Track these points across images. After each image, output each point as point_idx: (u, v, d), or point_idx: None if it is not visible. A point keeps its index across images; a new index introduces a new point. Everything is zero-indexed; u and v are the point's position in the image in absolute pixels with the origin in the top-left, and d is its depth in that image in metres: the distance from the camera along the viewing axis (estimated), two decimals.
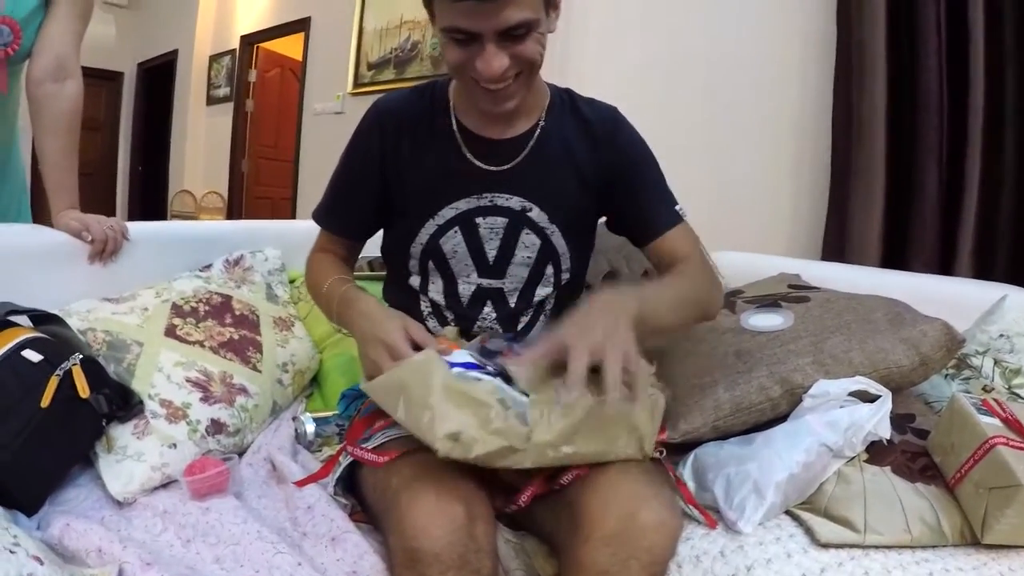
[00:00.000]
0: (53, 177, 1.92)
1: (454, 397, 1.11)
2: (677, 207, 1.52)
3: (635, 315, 1.16)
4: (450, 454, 1.07)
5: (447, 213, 1.48)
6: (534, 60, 1.30)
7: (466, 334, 1.54)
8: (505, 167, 1.48)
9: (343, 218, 1.59)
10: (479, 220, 1.49)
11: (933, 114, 2.32)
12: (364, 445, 1.31)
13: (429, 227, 1.49)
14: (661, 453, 1.32)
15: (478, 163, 1.47)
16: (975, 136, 2.23)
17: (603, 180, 1.51)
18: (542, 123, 1.49)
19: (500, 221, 1.49)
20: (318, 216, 1.60)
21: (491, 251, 1.50)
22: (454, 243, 1.49)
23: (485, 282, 1.53)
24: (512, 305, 1.55)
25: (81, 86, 1.93)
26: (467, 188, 1.48)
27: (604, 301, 1.19)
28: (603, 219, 1.62)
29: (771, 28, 2.85)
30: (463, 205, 1.48)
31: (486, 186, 1.48)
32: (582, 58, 3.21)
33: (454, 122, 1.48)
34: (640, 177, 1.52)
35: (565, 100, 1.54)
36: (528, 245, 1.50)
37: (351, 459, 1.35)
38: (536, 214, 1.49)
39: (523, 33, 1.24)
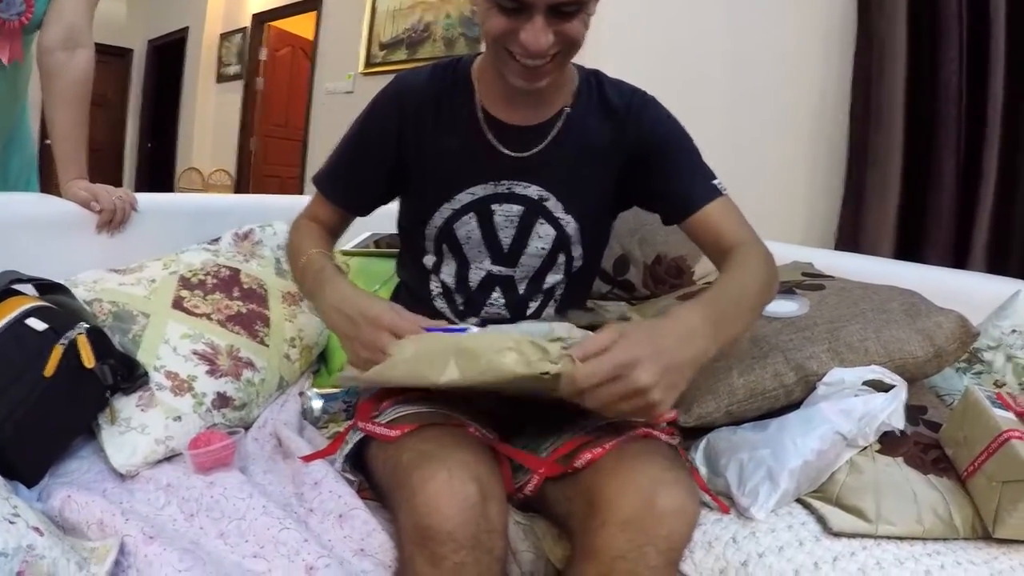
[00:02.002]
0: (62, 147, 1.91)
1: (518, 339, 1.12)
2: (715, 181, 1.44)
3: (710, 356, 1.13)
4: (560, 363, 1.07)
5: (463, 198, 1.45)
6: (577, 40, 1.27)
7: (474, 316, 1.53)
8: (525, 154, 1.44)
9: (345, 187, 1.55)
10: (495, 207, 1.46)
11: (952, 106, 2.31)
12: (376, 420, 1.29)
13: (444, 211, 1.46)
14: (674, 436, 1.31)
15: (499, 147, 1.44)
16: (993, 129, 2.21)
17: (628, 162, 1.47)
18: (567, 110, 1.46)
19: (516, 209, 1.46)
20: (319, 180, 1.56)
21: (506, 239, 1.48)
22: (468, 229, 1.47)
23: (497, 269, 1.51)
24: (521, 292, 1.53)
25: (92, 56, 1.91)
26: (485, 173, 1.45)
27: (685, 340, 1.10)
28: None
29: (791, 18, 2.84)
30: (479, 191, 1.45)
31: (504, 172, 1.45)
32: (601, 46, 3.19)
33: (478, 105, 1.45)
34: (671, 153, 1.46)
35: (592, 84, 1.50)
36: (543, 235, 1.47)
37: (359, 437, 1.33)
38: (552, 204, 1.46)
39: (573, 11, 1.22)
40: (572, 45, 1.27)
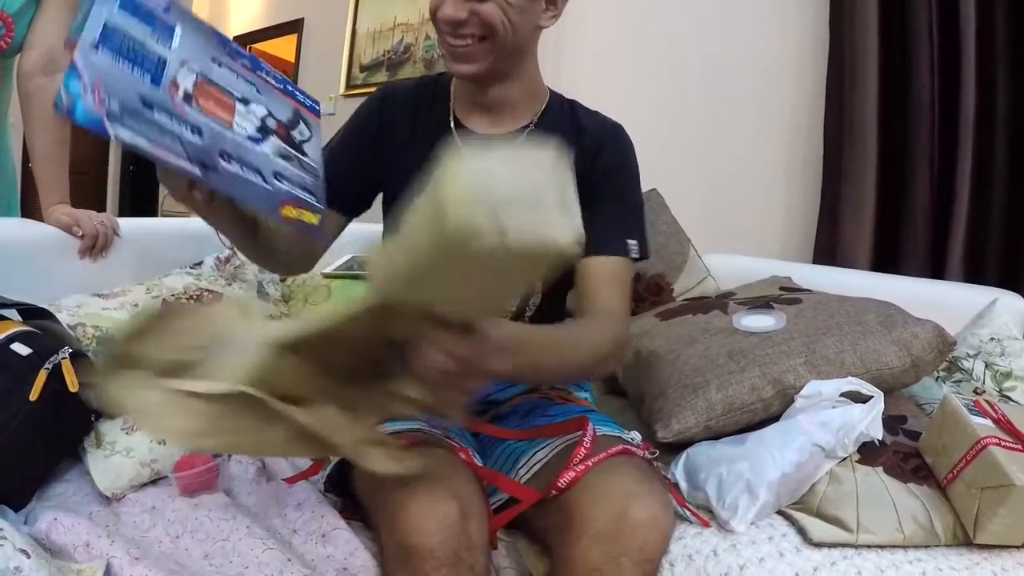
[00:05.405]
0: (44, 172, 1.91)
1: None
2: (632, 242, 1.42)
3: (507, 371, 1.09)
4: None
5: None
6: (493, 24, 1.29)
7: None
8: None
9: (331, 183, 1.46)
10: None
11: (925, 118, 2.32)
12: None
13: None
14: (653, 455, 1.32)
15: None
16: (966, 140, 2.22)
17: (579, 181, 1.47)
18: (532, 126, 1.48)
19: None
20: None
21: None
22: None
23: None
24: None
25: None
26: None
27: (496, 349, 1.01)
28: None
29: (765, 33, 2.86)
30: None
31: None
32: (578, 62, 3.21)
33: (451, 113, 1.49)
34: (609, 191, 1.43)
35: (565, 108, 1.52)
36: None
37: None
38: None
39: None
40: (491, 29, 1.31)
